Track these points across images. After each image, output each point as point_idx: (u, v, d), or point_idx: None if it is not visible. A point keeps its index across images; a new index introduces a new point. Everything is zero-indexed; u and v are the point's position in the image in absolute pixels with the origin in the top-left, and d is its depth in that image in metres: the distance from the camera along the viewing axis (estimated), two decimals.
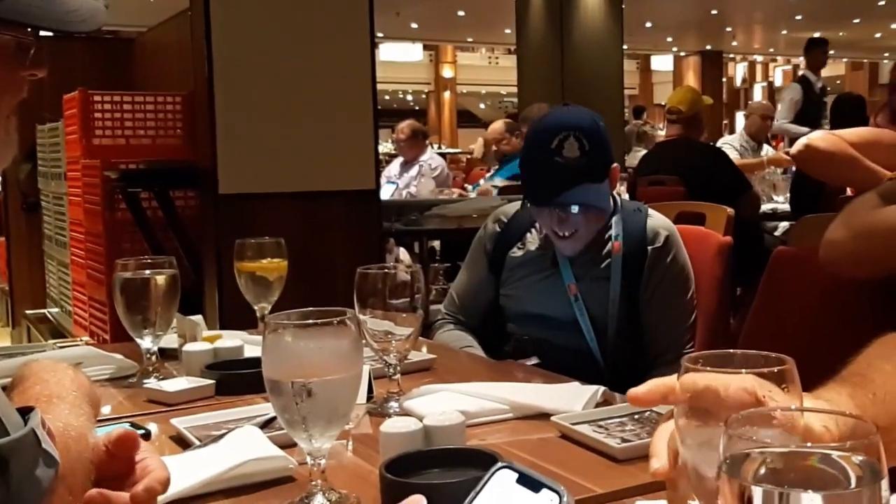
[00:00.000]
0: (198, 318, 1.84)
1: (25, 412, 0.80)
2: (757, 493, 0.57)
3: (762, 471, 0.59)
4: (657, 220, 2.07)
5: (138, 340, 1.66)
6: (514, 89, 10.14)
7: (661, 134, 8.12)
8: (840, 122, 5.42)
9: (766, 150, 6.77)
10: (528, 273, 2.11)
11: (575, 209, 2.00)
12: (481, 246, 2.20)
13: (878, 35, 20.27)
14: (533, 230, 2.15)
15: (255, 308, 1.95)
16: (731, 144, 6.56)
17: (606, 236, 2.07)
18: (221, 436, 1.24)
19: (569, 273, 2.05)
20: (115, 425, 1.19)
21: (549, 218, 2.04)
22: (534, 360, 1.96)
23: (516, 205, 2.23)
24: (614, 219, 2.08)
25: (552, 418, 1.34)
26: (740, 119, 21.83)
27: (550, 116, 2.12)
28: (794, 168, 5.96)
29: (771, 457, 0.60)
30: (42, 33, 0.90)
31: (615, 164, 2.09)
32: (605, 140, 2.06)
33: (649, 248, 2.02)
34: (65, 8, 0.91)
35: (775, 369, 0.77)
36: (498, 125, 6.57)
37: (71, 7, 0.92)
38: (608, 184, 2.06)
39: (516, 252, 2.14)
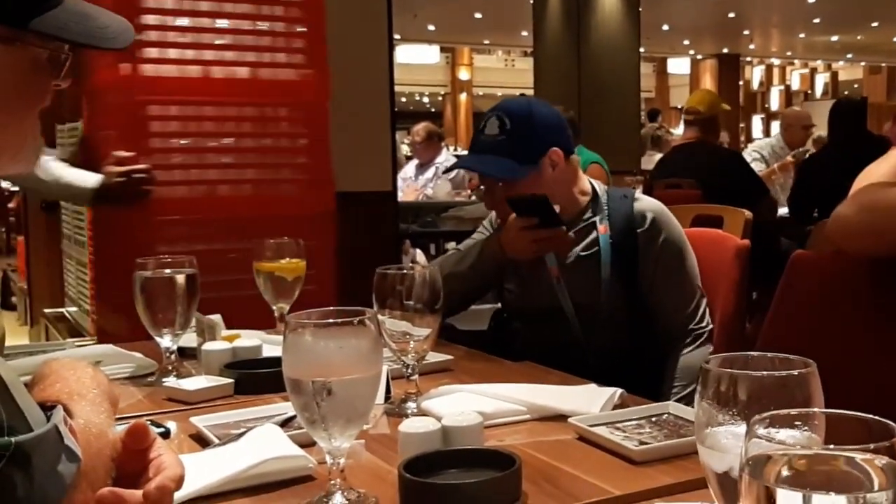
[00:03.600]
0: (216, 317, 1.84)
1: (48, 409, 0.81)
2: (780, 495, 0.57)
3: (784, 472, 0.59)
4: (644, 203, 2.08)
5: (158, 339, 1.67)
6: (531, 92, 10.14)
7: (676, 136, 8.09)
8: (839, 127, 5.41)
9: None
10: (518, 264, 2.13)
11: (475, 175, 2.08)
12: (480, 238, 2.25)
13: None
14: None
15: (274, 308, 1.96)
16: (758, 151, 6.52)
17: (590, 222, 2.09)
18: (241, 434, 1.25)
19: (552, 257, 2.08)
20: None
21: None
22: None
23: None
24: (596, 205, 2.11)
25: (570, 420, 1.34)
26: (756, 122, 21.80)
27: None
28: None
29: (793, 459, 0.60)
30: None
31: (554, 148, 2.09)
32: (534, 124, 2.08)
33: (638, 230, 2.04)
34: (98, 24, 0.94)
35: (796, 372, 0.77)
36: None
37: (103, 23, 0.95)
38: (543, 168, 2.07)
39: None
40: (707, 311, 2.05)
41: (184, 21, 2.65)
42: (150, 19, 2.57)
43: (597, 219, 2.08)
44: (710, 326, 2.04)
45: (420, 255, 5.81)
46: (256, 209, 2.66)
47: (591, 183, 2.16)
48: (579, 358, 1.96)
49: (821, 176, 5.13)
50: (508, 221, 2.02)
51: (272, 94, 2.77)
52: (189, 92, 2.63)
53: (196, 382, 1.58)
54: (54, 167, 2.37)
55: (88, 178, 2.37)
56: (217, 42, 2.71)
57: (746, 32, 20.17)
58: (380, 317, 1.42)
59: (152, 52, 2.55)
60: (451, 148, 12.89)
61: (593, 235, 2.07)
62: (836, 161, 5.14)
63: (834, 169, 4.96)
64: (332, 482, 1.05)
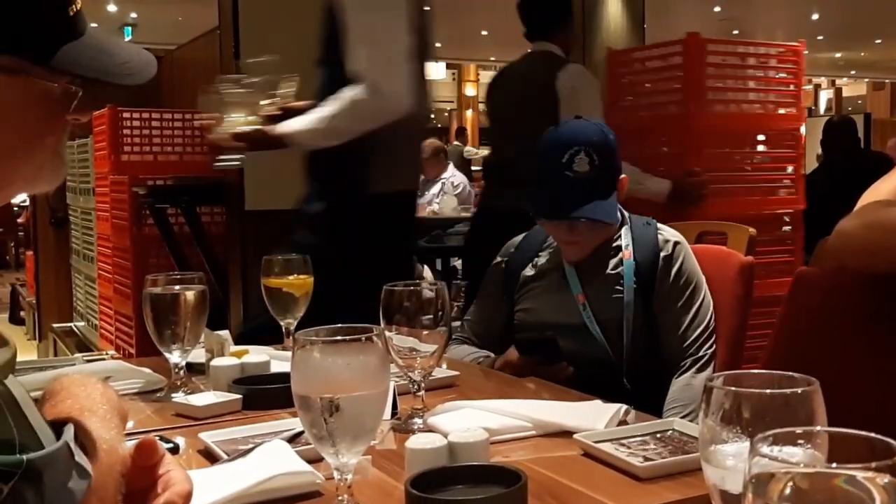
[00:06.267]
0: (225, 333, 1.85)
1: (59, 425, 0.82)
2: None
3: (787, 491, 0.60)
4: (666, 232, 2.12)
5: (167, 355, 1.68)
6: None
7: None
8: (834, 145, 5.45)
9: None
10: (540, 286, 2.15)
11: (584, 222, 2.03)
12: (492, 277, 2.25)
13: None
14: (543, 250, 2.20)
15: (282, 324, 1.97)
16: None
17: (615, 245, 2.10)
18: (249, 450, 1.25)
19: (576, 284, 2.09)
20: None
21: (558, 229, 2.10)
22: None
23: (522, 235, 2.28)
24: (623, 230, 2.12)
25: (575, 436, 1.34)
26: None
27: (562, 130, 2.15)
28: None
29: (796, 477, 0.60)
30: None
31: (623, 176, 2.12)
32: (614, 153, 2.10)
33: (661, 254, 2.06)
34: (118, 60, 0.93)
35: (799, 390, 0.78)
36: None
37: (123, 59, 0.94)
38: (615, 196, 2.10)
39: (529, 271, 2.18)
40: (713, 342, 2.04)
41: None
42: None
43: (623, 243, 2.10)
44: (711, 350, 2.03)
45: (427, 271, 5.81)
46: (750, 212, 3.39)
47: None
48: (602, 372, 1.98)
49: (817, 193, 5.17)
50: (510, 357, 2.00)
51: (765, 126, 3.97)
52: (734, 126, 3.76)
53: (204, 398, 1.59)
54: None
55: (664, 183, 3.29)
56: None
57: None
58: (387, 333, 1.43)
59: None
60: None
61: (619, 258, 2.08)
62: (831, 178, 5.18)
63: (830, 186, 4.99)
64: (340, 498, 1.06)
